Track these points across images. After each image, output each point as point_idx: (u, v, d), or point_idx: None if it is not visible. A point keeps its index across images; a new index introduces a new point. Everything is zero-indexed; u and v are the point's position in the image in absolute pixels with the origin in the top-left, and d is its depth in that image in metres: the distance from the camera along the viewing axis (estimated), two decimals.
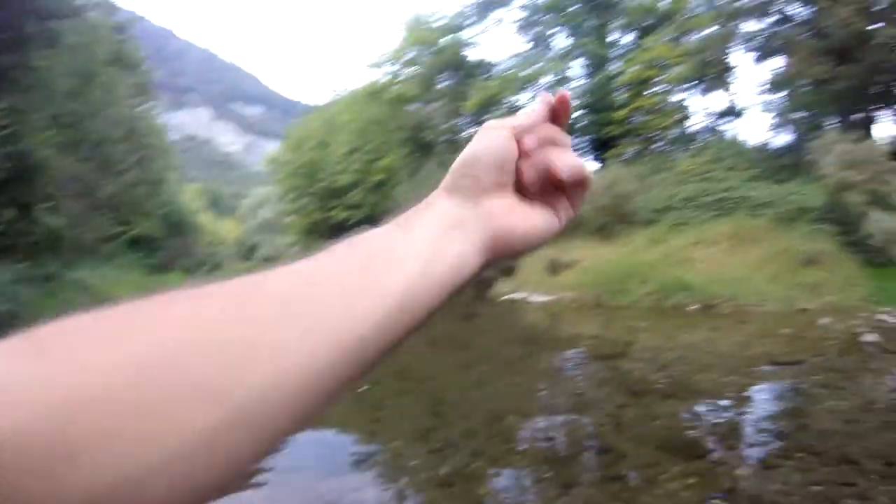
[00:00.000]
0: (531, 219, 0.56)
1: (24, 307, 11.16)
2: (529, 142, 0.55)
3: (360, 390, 7.84)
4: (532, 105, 0.60)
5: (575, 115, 28.18)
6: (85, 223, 19.17)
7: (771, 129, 24.69)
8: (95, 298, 14.90)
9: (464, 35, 32.56)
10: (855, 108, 19.77)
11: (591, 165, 27.28)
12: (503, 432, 5.78)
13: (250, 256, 56.25)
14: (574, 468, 4.85)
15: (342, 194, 38.19)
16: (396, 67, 34.87)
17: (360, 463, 5.35)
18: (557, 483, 4.51)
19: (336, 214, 38.35)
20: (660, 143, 25.46)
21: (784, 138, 23.65)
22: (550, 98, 0.60)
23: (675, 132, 25.46)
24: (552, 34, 29.73)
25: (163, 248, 34.06)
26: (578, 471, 4.81)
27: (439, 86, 32.96)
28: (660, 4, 26.18)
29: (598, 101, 26.60)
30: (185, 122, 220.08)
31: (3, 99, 11.85)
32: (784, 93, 23.07)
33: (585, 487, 4.41)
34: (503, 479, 4.72)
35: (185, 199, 47.36)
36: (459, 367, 8.99)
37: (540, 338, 11.22)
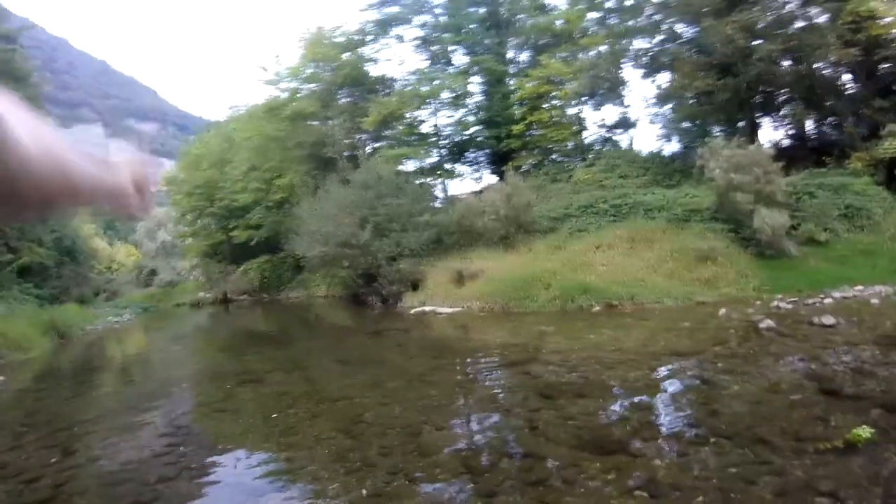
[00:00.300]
0: None
1: None
2: None
3: (272, 416, 7.44)
4: None
5: (473, 129, 28.49)
6: None
7: (660, 139, 25.73)
8: None
9: (364, 51, 32.32)
10: (738, 116, 21.05)
11: (490, 178, 27.74)
12: (421, 447, 5.67)
13: (150, 282, 54.28)
14: (495, 476, 4.72)
15: (243, 214, 37.41)
16: (296, 84, 34.23)
17: (278, 490, 5.13)
18: (480, 493, 4.44)
19: (238, 234, 37.66)
20: (556, 155, 26.24)
21: (673, 146, 24.78)
22: None
23: (570, 144, 26.21)
24: (451, 51, 30.01)
25: (55, 278, 31.89)
26: (500, 478, 4.67)
27: (339, 102, 32.61)
28: (555, 24, 26.85)
29: (496, 116, 27.14)
30: (78, 139, 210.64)
31: None
32: (671, 105, 24.06)
33: (508, 495, 4.32)
34: (425, 496, 4.60)
35: (77, 224, 44.79)
36: (372, 384, 8.76)
37: (450, 348, 11.25)
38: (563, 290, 12.84)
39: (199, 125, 70.64)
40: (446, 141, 29.30)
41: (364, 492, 4.81)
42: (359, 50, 32.24)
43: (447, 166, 29.34)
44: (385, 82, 32.70)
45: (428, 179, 27.14)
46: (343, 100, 32.92)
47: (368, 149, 30.44)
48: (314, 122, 33.03)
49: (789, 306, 10.06)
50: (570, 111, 26.45)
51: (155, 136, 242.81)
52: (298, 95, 33.74)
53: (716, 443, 4.63)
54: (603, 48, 25.13)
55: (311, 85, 33.57)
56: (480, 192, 22.45)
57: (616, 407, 6.10)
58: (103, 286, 47.17)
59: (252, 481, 5.44)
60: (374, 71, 33.04)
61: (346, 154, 28.98)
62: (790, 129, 22.45)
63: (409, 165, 28.67)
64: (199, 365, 14.95)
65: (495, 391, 7.54)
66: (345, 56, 31.79)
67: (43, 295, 27.02)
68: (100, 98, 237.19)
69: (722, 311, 10.10)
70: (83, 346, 19.69)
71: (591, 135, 27.90)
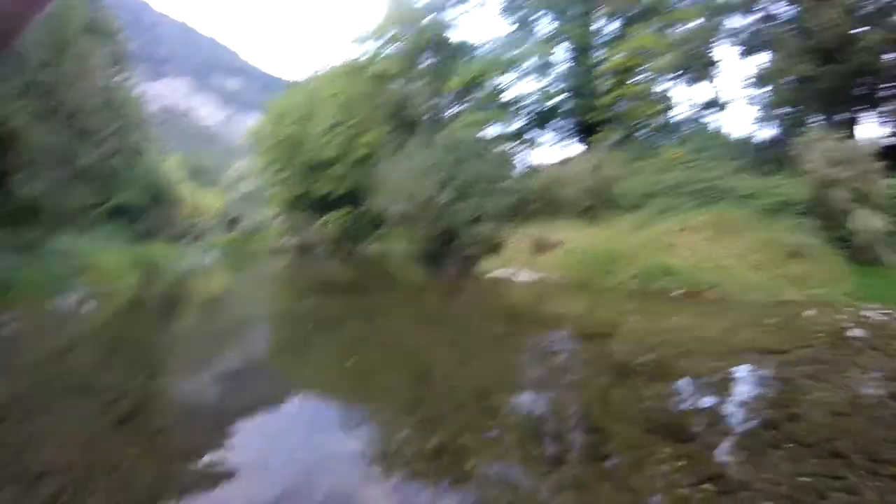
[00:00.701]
0: None
1: (5, 276, 11.18)
2: None
3: (347, 361, 7.73)
4: None
5: (557, 99, 27.85)
6: (63, 192, 18.65)
7: (755, 123, 24.47)
8: (77, 266, 14.67)
9: (447, 15, 32.01)
10: (838, 107, 19.69)
11: (573, 150, 27.18)
12: (490, 407, 5.67)
13: (233, 228, 55.94)
14: (562, 446, 4.75)
15: (325, 168, 37.91)
16: (378, 44, 34.23)
17: (348, 432, 5.28)
18: (545, 460, 4.43)
19: (320, 187, 38.21)
20: (644, 131, 25.32)
21: (768, 132, 23.51)
22: None
23: (659, 121, 25.29)
24: (536, 18, 29.09)
25: (144, 219, 33.37)
26: (566, 449, 4.70)
27: (421, 65, 32.48)
28: None
29: (582, 87, 26.12)
30: (163, 93, 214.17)
31: None
32: (768, 88, 22.84)
33: (573, 466, 4.30)
34: (490, 455, 4.59)
35: (166, 170, 46.46)
36: (446, 341, 8.85)
37: (526, 316, 11.07)
38: (644, 269, 12.56)
39: (281, 86, 71.23)
40: (529, 109, 28.52)
41: (431, 444, 4.89)
42: (441, 13, 32.03)
43: (530, 135, 28.62)
44: (467, 47, 32.27)
45: (511, 146, 26.70)
46: (425, 62, 32.84)
47: (450, 112, 30.41)
48: (396, 84, 33.11)
49: (882, 318, 9.42)
50: (659, 87, 25.39)
51: (239, 90, 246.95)
52: (381, 56, 33.80)
53: (791, 448, 4.45)
54: (696, 23, 24.21)
55: (394, 46, 33.52)
56: (564, 162, 22.06)
57: (691, 395, 5.96)
58: (189, 229, 48.80)
59: (324, 421, 5.68)
60: (456, 36, 32.84)
61: (427, 116, 29.07)
62: (894, 126, 20.71)
63: (491, 131, 28.30)
64: (278, 307, 15.49)
65: (568, 363, 7.44)
66: (427, 19, 31.63)
67: (134, 233, 28.06)
68: (183, 56, 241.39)
69: (808, 312, 9.57)
70: (168, 283, 20.52)
71: (679, 114, 26.93)
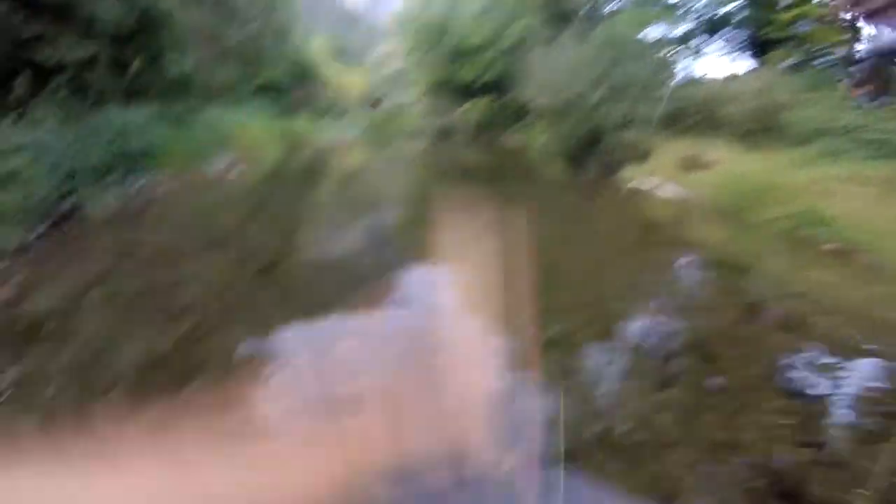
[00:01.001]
0: None
1: (157, 144, 12.19)
2: None
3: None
4: None
5: (730, 6, 25.43)
6: (212, 69, 19.65)
7: None
8: (222, 137, 15.87)
9: None
10: None
11: (740, 66, 24.93)
12: (609, 313, 5.91)
13: (374, 108, 57.00)
14: (674, 368, 4.78)
15: (470, 55, 37.48)
16: None
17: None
18: (655, 378, 4.54)
19: (463, 74, 37.95)
20: (823, 60, 22.45)
21: None
22: None
23: (841, 52, 22.24)
24: None
25: (288, 95, 34.74)
26: (678, 372, 4.73)
27: None
28: None
29: None
30: None
31: None
32: None
33: (681, 390, 4.38)
34: (602, 358, 4.84)
35: (311, 50, 47.48)
36: (575, 243, 8.96)
37: (661, 232, 10.85)
38: (797, 212, 11.65)
39: None
40: (698, 14, 26.17)
41: (547, 335, 5.12)
42: None
43: (696, 42, 26.36)
44: None
45: (672, 52, 24.88)
46: None
47: (610, 8, 28.78)
48: None
49: None
50: (846, 14, 22.29)
51: None
52: None
53: None
54: None
55: None
56: (730, 78, 20.38)
57: (818, 355, 5.40)
58: (332, 107, 50.29)
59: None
60: None
61: (584, 10, 27.65)
62: None
63: (654, 33, 26.56)
64: (414, 185, 16.19)
65: (696, 289, 7.30)
66: None
67: (279, 109, 29.49)
68: None
69: None
70: (311, 155, 21.87)
71: (865, 49, 23.58)
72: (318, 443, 1.07)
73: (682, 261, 8.65)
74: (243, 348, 4.78)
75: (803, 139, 14.99)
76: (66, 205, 8.83)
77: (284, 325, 5.18)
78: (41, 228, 8.02)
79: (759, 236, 10.89)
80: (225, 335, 4.99)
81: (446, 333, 4.61)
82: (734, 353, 5.14)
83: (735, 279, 7.59)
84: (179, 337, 4.93)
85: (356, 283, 6.29)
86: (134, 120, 11.79)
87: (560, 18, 28.33)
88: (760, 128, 15.76)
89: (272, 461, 1.03)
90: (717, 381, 4.59)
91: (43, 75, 9.91)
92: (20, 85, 9.12)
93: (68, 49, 10.10)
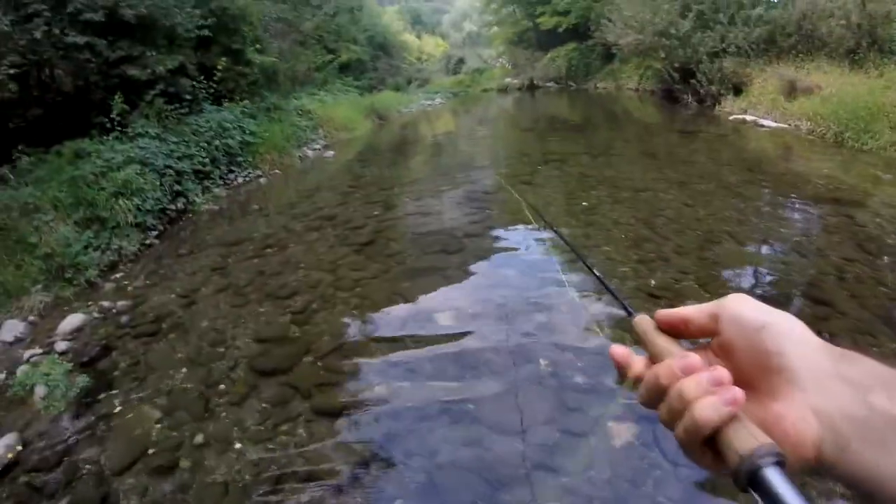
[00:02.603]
0: None
1: (253, 138, 12.79)
2: None
3: (575, 195, 7.91)
4: None
5: None
6: (295, 57, 20.09)
7: None
8: (313, 121, 16.30)
9: None
10: None
11: None
12: (717, 256, 5.79)
13: (458, 70, 56.76)
14: (785, 310, 4.46)
15: (549, 0, 36.58)
16: None
17: (571, 260, 5.78)
18: None
19: (545, 21, 37.19)
20: None
21: None
22: None
23: None
24: None
25: (371, 70, 35.14)
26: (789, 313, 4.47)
27: None
28: None
29: None
30: None
31: None
32: None
33: None
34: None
35: (386, 21, 47.67)
36: (678, 183, 8.79)
37: (768, 166, 10.26)
38: None
39: None
40: None
41: (653, 282, 5.15)
42: None
43: None
44: None
45: None
46: None
47: None
48: None
49: None
50: None
51: None
52: None
53: None
54: None
55: None
56: None
57: None
58: (415, 75, 50.32)
59: (547, 247, 6.06)
60: None
61: None
62: None
63: None
64: (505, 144, 16.06)
65: (808, 225, 6.91)
66: None
67: (362, 86, 29.83)
68: None
69: None
70: (399, 126, 22.10)
71: None
72: None
73: (790, 197, 8.17)
74: (350, 328, 4.90)
75: None
76: (177, 205, 9.36)
77: (388, 302, 5.27)
78: (157, 229, 8.58)
79: (869, 163, 10.07)
80: (335, 314, 5.14)
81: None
82: (847, 291, 4.88)
83: (846, 213, 7.06)
84: (290, 320, 5.11)
85: (454, 252, 6.31)
86: (227, 118, 12.30)
87: None
88: (865, 43, 14.38)
89: None
90: (829, 324, 4.34)
91: (137, 90, 10.50)
92: (117, 103, 9.66)
93: (156, 63, 10.60)
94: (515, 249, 6.22)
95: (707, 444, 0.50)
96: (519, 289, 5.23)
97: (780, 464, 0.46)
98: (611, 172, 9.65)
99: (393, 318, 4.97)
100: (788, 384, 0.51)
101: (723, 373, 0.50)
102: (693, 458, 0.52)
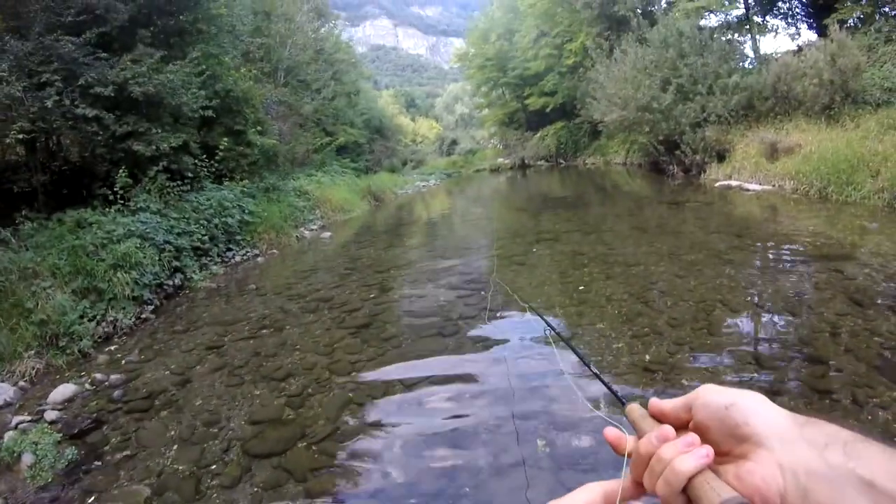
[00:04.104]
0: None
1: (252, 217, 12.80)
2: None
3: (567, 273, 7.80)
4: None
5: None
6: (294, 139, 20.40)
7: None
8: (311, 201, 16.35)
9: None
10: None
11: (808, 35, 23.44)
12: (710, 325, 5.58)
13: (451, 151, 57.84)
14: (781, 373, 4.46)
15: (536, 81, 37.71)
16: None
17: (564, 344, 5.21)
18: (761, 385, 4.26)
19: (532, 102, 38.27)
20: (890, 7, 20.15)
21: None
22: None
23: None
24: None
25: (368, 152, 35.79)
26: (786, 377, 4.42)
27: None
28: None
29: None
30: (369, 33, 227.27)
31: (196, 48, 12.87)
32: None
33: (791, 396, 4.10)
34: (707, 375, 4.54)
35: (382, 105, 48.85)
36: (668, 254, 8.63)
37: (755, 229, 10.19)
38: (894, 179, 10.67)
39: (482, 1, 71.48)
40: None
41: (647, 357, 4.96)
42: None
43: (756, 19, 24.70)
44: None
45: (735, 35, 23.72)
46: None
47: (664, 3, 28.13)
48: None
49: None
50: None
51: (439, 17, 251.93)
52: None
53: None
54: None
55: None
56: (799, 50, 19.11)
57: None
58: (409, 157, 51.35)
59: (542, 330, 5.69)
60: None
61: (639, 10, 27.10)
62: None
63: (713, 20, 25.51)
64: (498, 223, 15.95)
65: (798, 284, 6.71)
66: None
67: (359, 167, 30.37)
68: None
69: None
70: (395, 207, 22.20)
71: None
72: None
73: (780, 257, 8.10)
74: (345, 412, 4.71)
75: (884, 100, 13.87)
76: (174, 280, 9.23)
77: (384, 386, 5.11)
78: (154, 304, 8.39)
79: (855, 215, 10.09)
80: (330, 398, 4.94)
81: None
82: (841, 346, 4.76)
83: (836, 267, 6.99)
84: (286, 402, 4.93)
85: (449, 335, 6.16)
86: (227, 197, 12.30)
87: (616, 25, 27.98)
88: (838, 97, 14.66)
89: None
90: (827, 381, 4.24)
91: (141, 165, 10.57)
92: (121, 176, 9.71)
93: (160, 139, 10.70)
94: (511, 333, 6.05)
95: (684, 496, 0.59)
96: (515, 372, 5.06)
97: None
98: (602, 249, 9.56)
99: (389, 402, 4.76)
100: (757, 446, 0.58)
101: (694, 436, 0.62)
102: None
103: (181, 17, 13.07)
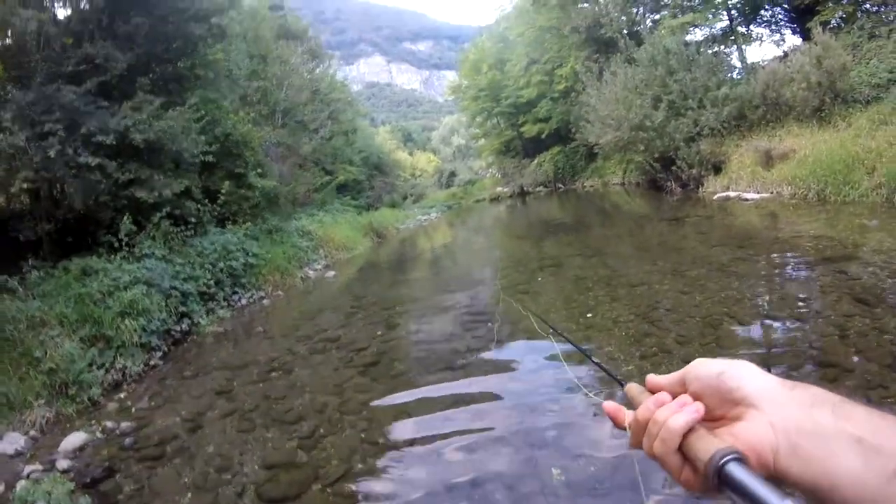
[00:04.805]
0: None
1: (256, 259, 12.75)
2: None
3: (572, 298, 7.73)
4: None
5: None
6: (294, 179, 20.47)
7: None
8: (314, 241, 16.34)
9: None
10: None
11: (792, 40, 23.59)
12: (719, 339, 5.53)
13: (450, 183, 58.02)
14: (794, 380, 4.17)
15: (529, 108, 37.94)
16: None
17: (574, 365, 5.20)
18: None
19: (528, 129, 38.51)
20: (871, 3, 19.22)
21: None
22: None
23: None
24: None
25: (368, 189, 35.97)
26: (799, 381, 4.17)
27: None
28: None
29: None
30: (364, 71, 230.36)
31: (195, 93, 13.06)
32: None
33: None
34: None
35: (380, 141, 49.22)
36: (671, 272, 8.52)
37: (756, 238, 10.10)
38: (890, 175, 10.34)
39: (471, 33, 72.34)
40: (735, 0, 25.17)
41: (667, 367, 4.81)
42: None
43: (741, 30, 25.07)
44: None
45: (721, 47, 23.71)
46: None
47: (649, 22, 28.42)
48: (585, 5, 31.29)
49: None
50: None
51: (430, 52, 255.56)
52: None
53: None
54: None
55: None
56: (785, 56, 19.17)
57: None
58: (409, 191, 51.56)
59: (551, 355, 5.73)
60: None
61: (625, 31, 27.35)
62: None
63: (698, 34, 25.64)
64: (501, 252, 15.88)
65: (803, 289, 6.65)
66: None
67: (359, 204, 30.51)
68: (372, 31, 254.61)
69: None
70: (397, 242, 22.17)
71: None
72: None
73: (783, 263, 8.06)
74: (358, 452, 4.63)
75: (873, 97, 13.87)
76: (182, 326, 9.19)
77: (396, 423, 5.04)
78: (162, 350, 8.35)
79: (854, 214, 10.03)
80: (343, 438, 4.87)
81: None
82: (851, 348, 4.68)
83: (839, 268, 6.93)
84: (298, 445, 4.87)
85: (458, 368, 6.09)
86: (231, 240, 12.29)
87: (604, 48, 28.20)
88: (828, 99, 14.66)
89: None
90: (840, 384, 4.15)
91: (144, 212, 10.56)
92: (125, 223, 9.74)
93: (163, 186, 10.70)
94: (518, 362, 5.95)
95: (681, 455, 0.63)
96: (526, 401, 4.97)
97: (740, 460, 0.56)
98: (605, 271, 9.49)
99: (401, 440, 4.69)
100: (749, 408, 0.63)
101: (686, 397, 0.68)
102: (670, 468, 0.65)
103: (179, 63, 13.27)
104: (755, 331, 5.70)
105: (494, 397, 5.18)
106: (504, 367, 5.89)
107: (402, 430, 4.85)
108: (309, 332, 8.85)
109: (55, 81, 9.81)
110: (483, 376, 5.74)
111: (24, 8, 9.72)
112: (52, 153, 8.98)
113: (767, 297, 6.55)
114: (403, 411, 5.21)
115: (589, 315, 7.12)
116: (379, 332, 8.09)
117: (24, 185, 9.07)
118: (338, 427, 5.08)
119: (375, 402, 5.50)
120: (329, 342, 7.98)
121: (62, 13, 11.93)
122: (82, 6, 11.89)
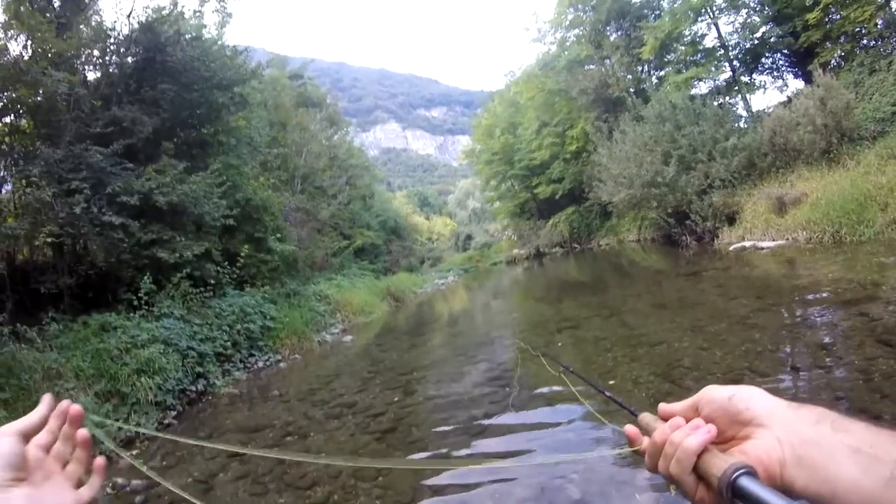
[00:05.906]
0: None
1: (273, 322, 12.66)
2: None
3: (591, 359, 7.52)
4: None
5: (762, 30, 24.61)
6: (313, 244, 20.60)
7: None
8: (331, 304, 16.25)
9: None
10: None
11: (795, 84, 23.80)
12: (748, 381, 5.19)
13: (467, 246, 58.13)
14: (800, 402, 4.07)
15: (543, 170, 38.28)
16: (561, 33, 33.91)
17: (595, 428, 5.17)
18: None
19: (542, 191, 38.79)
20: (867, 39, 20.08)
21: None
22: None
23: (880, 22, 19.36)
24: None
25: (385, 253, 36.11)
26: None
27: (610, 38, 31.12)
28: None
29: (785, 7, 22.47)
30: (380, 137, 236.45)
31: (217, 159, 13.40)
32: None
33: None
34: None
35: (397, 206, 49.73)
36: (690, 328, 8.20)
37: (775, 287, 9.86)
38: None
39: (483, 97, 73.79)
40: (735, 51, 25.66)
41: None
42: None
43: (744, 79, 25.40)
44: (651, 4, 30.68)
45: (726, 99, 23.91)
46: (613, 35, 31.51)
47: (654, 79, 28.82)
48: (591, 66, 32.03)
49: None
50: None
51: (444, 118, 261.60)
52: (567, 44, 33.36)
53: None
54: None
55: (577, 30, 32.83)
56: (789, 101, 19.26)
57: None
58: (426, 254, 51.72)
59: (572, 419, 5.59)
60: None
61: (632, 90, 27.74)
62: None
63: (703, 87, 26.01)
64: (519, 315, 15.52)
65: (825, 335, 6.44)
66: None
67: (377, 268, 30.54)
68: (387, 99, 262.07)
69: None
70: (415, 307, 21.89)
71: None
72: None
73: (803, 311, 7.83)
74: None
75: (879, 132, 13.81)
76: (197, 386, 9.08)
77: (412, 492, 4.88)
78: (176, 409, 8.22)
79: (871, 253, 9.85)
80: None
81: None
82: (878, 393, 4.54)
83: (860, 311, 6.75)
84: None
85: (476, 434, 5.95)
86: (249, 303, 12.27)
87: (612, 107, 28.54)
88: (834, 139, 14.60)
89: None
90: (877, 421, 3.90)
91: (164, 271, 10.67)
92: (145, 282, 9.82)
93: (184, 247, 10.88)
94: (540, 424, 5.81)
95: (695, 475, 0.68)
96: (547, 466, 4.83)
97: (751, 473, 0.61)
98: (624, 331, 9.27)
99: None
100: (758, 427, 0.68)
101: (699, 420, 0.73)
102: (686, 488, 0.69)
103: (203, 129, 13.76)
104: (779, 383, 5.46)
105: (514, 465, 5.13)
106: (522, 430, 5.68)
107: (419, 499, 4.68)
108: (325, 396, 8.66)
109: (83, 141, 10.14)
110: (502, 440, 5.55)
111: (55, 69, 10.07)
112: (77, 210, 9.15)
113: (789, 348, 6.33)
114: (419, 480, 5.02)
115: (611, 380, 6.94)
116: (396, 398, 7.88)
117: (49, 240, 9.23)
118: (352, 494, 4.89)
119: (391, 470, 5.33)
120: (345, 407, 7.79)
121: (92, 76, 12.45)
122: (111, 70, 12.41)
